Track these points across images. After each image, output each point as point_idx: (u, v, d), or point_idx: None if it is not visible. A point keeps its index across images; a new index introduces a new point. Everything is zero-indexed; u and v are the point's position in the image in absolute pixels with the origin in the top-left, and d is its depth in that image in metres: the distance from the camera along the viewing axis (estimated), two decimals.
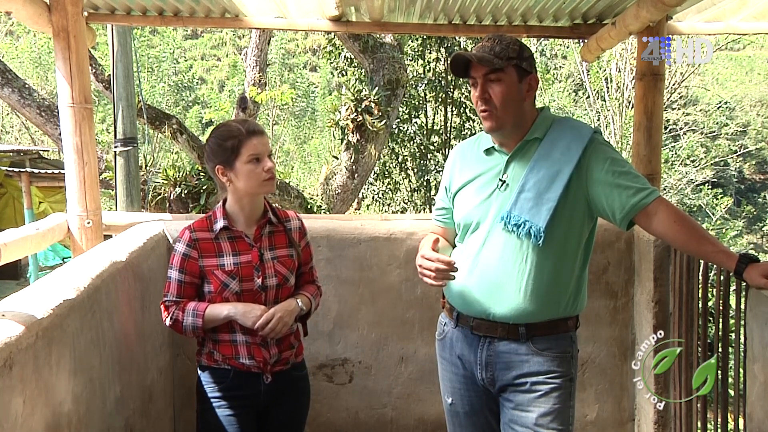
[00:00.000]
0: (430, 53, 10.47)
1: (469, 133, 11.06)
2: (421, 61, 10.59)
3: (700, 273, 2.22)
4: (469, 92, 11.37)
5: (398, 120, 10.28)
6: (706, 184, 17.42)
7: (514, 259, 1.70)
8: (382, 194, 11.46)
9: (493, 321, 1.74)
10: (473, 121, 10.87)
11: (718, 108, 20.46)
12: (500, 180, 1.75)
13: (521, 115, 1.73)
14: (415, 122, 10.95)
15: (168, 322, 1.88)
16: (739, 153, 21.83)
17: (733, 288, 2.03)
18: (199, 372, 1.95)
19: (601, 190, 1.69)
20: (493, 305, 1.73)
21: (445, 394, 1.91)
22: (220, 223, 1.89)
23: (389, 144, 10.53)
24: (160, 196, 6.90)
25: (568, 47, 18.44)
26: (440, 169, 10.77)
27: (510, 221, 1.69)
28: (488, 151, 1.80)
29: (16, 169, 10.11)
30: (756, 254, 1.71)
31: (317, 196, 7.95)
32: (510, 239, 1.70)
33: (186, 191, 6.84)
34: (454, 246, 1.90)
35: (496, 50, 1.67)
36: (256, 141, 1.82)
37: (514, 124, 1.73)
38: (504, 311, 1.72)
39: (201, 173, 6.96)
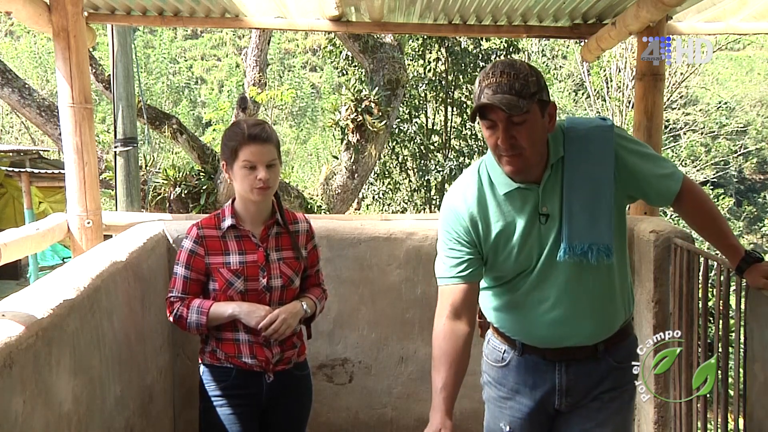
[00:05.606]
0: (430, 53, 10.49)
1: (469, 133, 11.07)
2: (421, 61, 10.61)
3: (700, 273, 2.22)
4: (470, 92, 11.37)
5: (398, 120, 10.29)
6: (707, 184, 17.41)
7: (583, 286, 1.63)
8: (382, 194, 11.47)
9: (570, 347, 1.68)
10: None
11: (718, 108, 20.43)
12: (540, 214, 1.61)
13: (545, 147, 1.60)
14: (416, 122, 10.97)
15: (172, 318, 1.88)
16: (739, 153, 21.81)
17: (733, 288, 2.03)
18: (202, 370, 1.96)
19: (638, 183, 1.64)
20: (568, 336, 1.66)
21: (501, 422, 1.79)
22: (227, 222, 1.89)
23: (389, 144, 10.53)
24: (160, 196, 6.89)
25: (568, 47, 18.45)
26: (440, 169, 10.76)
27: (575, 252, 1.58)
28: (510, 194, 1.63)
29: (16, 169, 10.12)
30: (760, 254, 1.70)
31: (317, 196, 7.95)
32: (573, 268, 1.61)
33: (186, 191, 6.83)
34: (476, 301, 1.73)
35: (516, 88, 1.48)
36: (255, 149, 1.80)
37: (539, 159, 1.60)
38: (581, 339, 1.66)
39: (201, 173, 6.95)
